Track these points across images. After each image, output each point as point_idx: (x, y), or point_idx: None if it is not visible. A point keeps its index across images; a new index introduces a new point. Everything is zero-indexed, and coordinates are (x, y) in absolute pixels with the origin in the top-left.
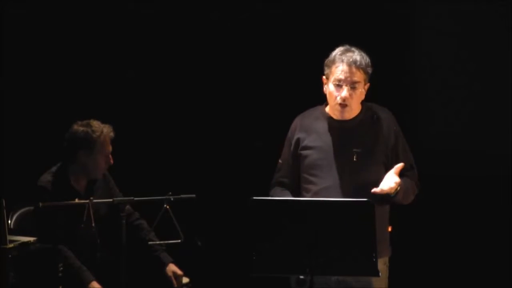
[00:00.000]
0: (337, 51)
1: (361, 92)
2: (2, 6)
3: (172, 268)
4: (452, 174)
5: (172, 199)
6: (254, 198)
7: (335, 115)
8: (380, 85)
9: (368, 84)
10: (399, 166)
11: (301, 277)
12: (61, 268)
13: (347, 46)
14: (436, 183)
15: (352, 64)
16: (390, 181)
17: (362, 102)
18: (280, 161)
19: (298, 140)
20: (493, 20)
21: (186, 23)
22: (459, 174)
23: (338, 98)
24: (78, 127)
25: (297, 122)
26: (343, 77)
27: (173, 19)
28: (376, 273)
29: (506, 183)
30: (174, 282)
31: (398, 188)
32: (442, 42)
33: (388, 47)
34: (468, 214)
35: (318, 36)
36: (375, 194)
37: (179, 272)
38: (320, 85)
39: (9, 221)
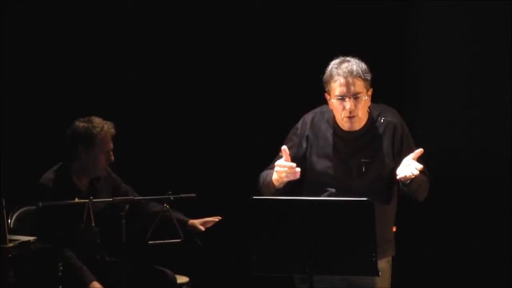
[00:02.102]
0: (332, 65)
1: (365, 100)
2: (2, 6)
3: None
4: (452, 174)
5: (172, 198)
6: (254, 197)
7: (344, 127)
8: (379, 85)
9: (371, 90)
10: (418, 151)
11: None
12: (61, 268)
13: (341, 58)
14: (437, 183)
15: (349, 75)
16: (411, 166)
17: (370, 106)
18: (280, 154)
19: (307, 138)
20: (493, 20)
21: (186, 22)
22: (459, 175)
23: (344, 112)
24: (79, 123)
25: (308, 118)
26: (344, 90)
27: (173, 19)
28: (376, 273)
29: (506, 184)
30: (201, 227)
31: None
32: (441, 42)
33: (387, 47)
34: (469, 214)
35: (318, 35)
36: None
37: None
38: (320, 84)
39: (9, 221)
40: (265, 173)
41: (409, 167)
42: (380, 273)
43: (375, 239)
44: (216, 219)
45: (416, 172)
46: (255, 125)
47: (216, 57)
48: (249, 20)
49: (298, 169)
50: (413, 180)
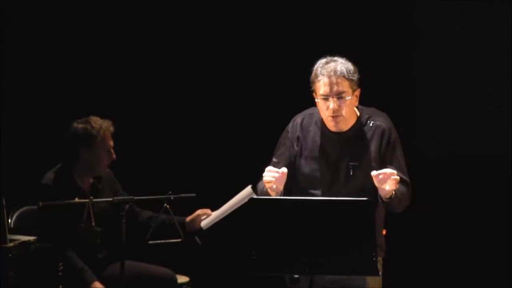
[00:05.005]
0: (318, 64)
1: (350, 100)
2: (2, 6)
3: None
4: (448, 174)
5: (172, 198)
6: (254, 197)
7: (330, 127)
8: (379, 86)
9: (358, 90)
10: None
11: (296, 276)
12: (61, 268)
13: (328, 58)
14: (431, 184)
15: (333, 75)
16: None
17: (360, 108)
18: (274, 159)
19: (298, 139)
20: (492, 21)
21: (186, 23)
22: (455, 175)
23: (328, 112)
24: (78, 125)
25: (298, 120)
26: (327, 89)
27: (173, 19)
28: (376, 272)
29: (503, 184)
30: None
31: (394, 193)
32: (441, 43)
33: (387, 48)
34: (468, 214)
35: (317, 35)
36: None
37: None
38: None
39: (10, 220)
40: (262, 184)
41: (386, 181)
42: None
43: (375, 239)
44: (207, 211)
45: (395, 177)
46: (255, 125)
47: (216, 58)
48: (249, 21)
49: (283, 169)
50: (394, 195)
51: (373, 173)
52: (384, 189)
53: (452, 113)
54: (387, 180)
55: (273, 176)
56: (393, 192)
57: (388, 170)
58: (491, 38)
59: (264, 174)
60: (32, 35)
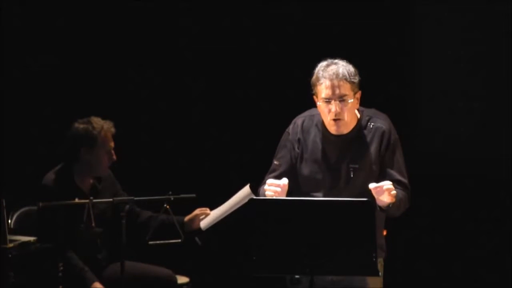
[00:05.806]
0: (319, 67)
1: (352, 103)
2: (2, 6)
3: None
4: (448, 174)
5: (172, 198)
6: (254, 197)
7: (331, 130)
8: (379, 86)
9: (359, 92)
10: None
11: (296, 276)
12: (61, 268)
13: (329, 60)
14: (431, 184)
15: (334, 78)
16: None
17: (360, 110)
18: (275, 162)
19: (299, 141)
20: (492, 21)
21: (186, 23)
22: (455, 175)
23: (330, 115)
24: (79, 125)
25: (299, 121)
26: (329, 93)
27: (174, 19)
28: (376, 273)
29: (503, 185)
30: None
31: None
32: (441, 43)
33: (387, 48)
34: (464, 215)
35: (317, 35)
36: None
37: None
38: None
39: (10, 221)
40: (263, 190)
41: (383, 193)
42: (379, 274)
43: (375, 239)
44: (205, 210)
45: (392, 191)
46: (255, 125)
47: (216, 58)
48: (250, 22)
49: (283, 181)
50: (391, 205)
51: (371, 186)
52: (381, 201)
53: (452, 113)
54: (384, 192)
55: (275, 190)
56: (391, 203)
57: (385, 185)
58: (491, 38)
59: (265, 187)
60: (32, 35)
